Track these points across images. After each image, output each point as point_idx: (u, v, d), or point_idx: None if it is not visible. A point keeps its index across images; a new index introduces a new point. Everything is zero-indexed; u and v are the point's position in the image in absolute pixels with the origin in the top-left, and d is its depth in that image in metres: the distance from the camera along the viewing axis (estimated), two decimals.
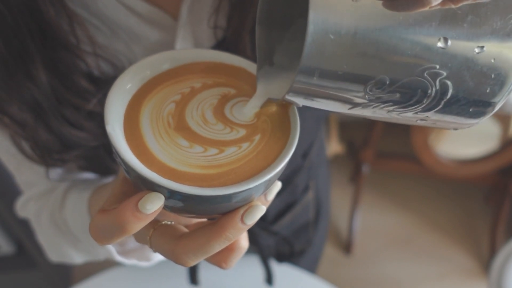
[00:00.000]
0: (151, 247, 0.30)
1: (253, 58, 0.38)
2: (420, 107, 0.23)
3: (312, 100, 0.23)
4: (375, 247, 1.63)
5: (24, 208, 0.53)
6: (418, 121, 0.25)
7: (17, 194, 0.54)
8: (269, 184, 0.28)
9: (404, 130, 1.39)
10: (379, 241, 1.65)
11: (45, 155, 0.41)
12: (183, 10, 0.37)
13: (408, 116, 0.24)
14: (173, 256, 0.28)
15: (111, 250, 0.45)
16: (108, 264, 0.69)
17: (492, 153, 1.40)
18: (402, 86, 0.22)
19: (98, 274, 0.70)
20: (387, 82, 0.21)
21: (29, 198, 0.52)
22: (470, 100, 0.23)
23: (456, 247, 1.62)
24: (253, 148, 0.28)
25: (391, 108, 0.23)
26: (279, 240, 0.70)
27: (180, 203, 0.26)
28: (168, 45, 0.39)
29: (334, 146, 1.43)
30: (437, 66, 0.21)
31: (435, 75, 0.22)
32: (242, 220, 0.27)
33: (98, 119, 0.40)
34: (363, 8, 0.20)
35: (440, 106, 0.23)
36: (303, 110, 0.31)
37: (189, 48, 0.39)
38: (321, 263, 0.87)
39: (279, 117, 0.30)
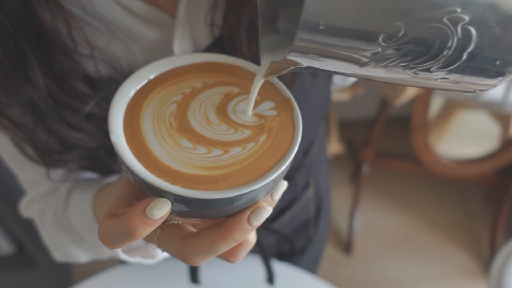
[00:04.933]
0: (159, 246, 0.30)
1: (249, 56, 0.38)
2: (440, 61, 0.20)
3: (319, 60, 0.21)
4: (375, 247, 1.63)
5: (27, 208, 0.53)
6: (439, 81, 0.22)
7: (18, 194, 0.54)
8: (274, 184, 0.28)
9: (404, 130, 1.39)
10: (379, 241, 1.65)
11: (45, 156, 0.41)
12: (180, 8, 0.37)
13: (427, 74, 0.21)
14: (181, 255, 0.29)
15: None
16: (108, 264, 0.69)
17: (492, 153, 1.41)
18: (418, 35, 0.19)
19: (98, 274, 0.70)
20: (402, 31, 0.19)
21: (33, 198, 0.52)
22: (497, 50, 0.20)
23: (456, 247, 1.62)
24: (258, 148, 0.28)
25: (407, 63, 0.21)
26: (280, 238, 0.69)
27: (187, 207, 0.26)
28: (166, 43, 0.39)
29: (334, 146, 1.43)
30: (458, 10, 0.18)
31: (456, 21, 0.19)
32: (249, 221, 0.27)
33: (97, 120, 0.40)
34: None
35: (463, 59, 0.20)
36: (303, 107, 0.31)
37: (189, 53, 0.39)
38: (321, 263, 0.87)
39: (283, 117, 0.30)
